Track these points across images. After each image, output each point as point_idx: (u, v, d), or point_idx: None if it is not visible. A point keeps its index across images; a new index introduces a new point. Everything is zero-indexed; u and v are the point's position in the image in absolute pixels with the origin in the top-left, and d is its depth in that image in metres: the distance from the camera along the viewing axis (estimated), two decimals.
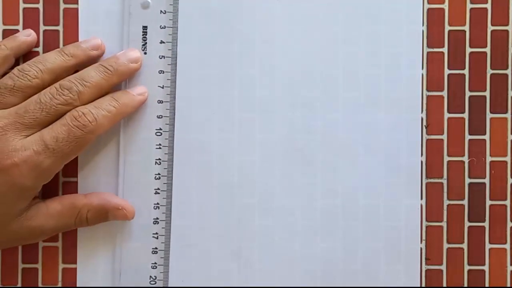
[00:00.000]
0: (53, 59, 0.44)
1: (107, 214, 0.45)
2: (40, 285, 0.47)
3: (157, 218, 0.46)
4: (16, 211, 0.43)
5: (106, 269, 0.47)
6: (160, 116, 0.46)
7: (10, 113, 0.43)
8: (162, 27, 0.46)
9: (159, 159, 0.46)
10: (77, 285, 0.47)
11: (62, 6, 0.47)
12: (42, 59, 0.44)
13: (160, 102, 0.46)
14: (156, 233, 0.46)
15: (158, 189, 0.46)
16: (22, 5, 0.47)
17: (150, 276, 0.46)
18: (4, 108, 0.43)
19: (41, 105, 0.43)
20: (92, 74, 0.44)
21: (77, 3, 0.47)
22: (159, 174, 0.46)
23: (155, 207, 0.46)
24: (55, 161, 0.43)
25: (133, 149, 0.46)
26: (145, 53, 0.46)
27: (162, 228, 0.46)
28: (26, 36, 0.46)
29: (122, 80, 0.45)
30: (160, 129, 0.46)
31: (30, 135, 0.43)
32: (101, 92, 0.45)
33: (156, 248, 0.46)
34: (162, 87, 0.46)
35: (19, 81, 0.44)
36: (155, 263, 0.46)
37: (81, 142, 0.43)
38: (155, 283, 0.46)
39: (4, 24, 0.47)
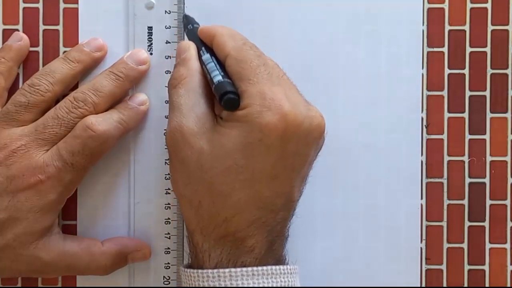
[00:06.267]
0: (60, 69, 0.45)
1: (127, 258, 0.45)
2: (40, 285, 0.47)
3: (169, 219, 0.46)
4: (39, 229, 0.43)
5: None
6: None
7: (30, 130, 0.43)
8: (167, 27, 0.46)
9: (169, 159, 0.46)
10: (77, 285, 0.47)
11: (62, 6, 0.47)
12: (50, 71, 0.44)
13: (168, 102, 0.46)
14: (168, 233, 0.46)
15: (169, 189, 0.46)
16: (22, 5, 0.47)
17: (164, 277, 0.46)
18: (22, 125, 0.43)
19: (59, 121, 0.43)
20: (104, 83, 0.44)
21: (77, 3, 0.47)
22: (169, 174, 0.46)
23: (166, 207, 0.46)
24: (75, 175, 0.43)
25: (143, 149, 0.46)
26: (151, 54, 0.46)
27: (174, 228, 0.46)
28: (18, 41, 0.46)
29: (134, 84, 0.46)
30: None
31: (49, 149, 0.43)
32: (115, 100, 0.45)
33: (168, 248, 0.46)
34: None
35: (32, 97, 0.44)
36: (168, 263, 0.46)
37: (95, 153, 0.43)
38: (169, 283, 0.46)
39: (4, 23, 0.47)
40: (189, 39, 0.44)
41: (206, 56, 0.41)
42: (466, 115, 0.47)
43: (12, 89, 0.46)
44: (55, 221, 0.44)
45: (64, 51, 0.46)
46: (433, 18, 0.47)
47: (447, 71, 0.47)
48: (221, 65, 0.40)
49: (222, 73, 0.40)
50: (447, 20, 0.47)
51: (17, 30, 0.47)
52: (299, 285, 0.41)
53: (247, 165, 0.38)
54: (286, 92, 0.39)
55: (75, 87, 0.46)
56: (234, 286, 0.38)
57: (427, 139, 0.47)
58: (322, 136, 0.40)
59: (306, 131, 0.39)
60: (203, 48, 0.42)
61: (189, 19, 0.45)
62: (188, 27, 0.44)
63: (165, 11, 0.46)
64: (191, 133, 0.39)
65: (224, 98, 0.38)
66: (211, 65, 0.40)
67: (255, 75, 0.39)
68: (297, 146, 0.39)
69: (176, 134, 0.39)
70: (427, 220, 0.47)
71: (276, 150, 0.38)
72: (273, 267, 0.39)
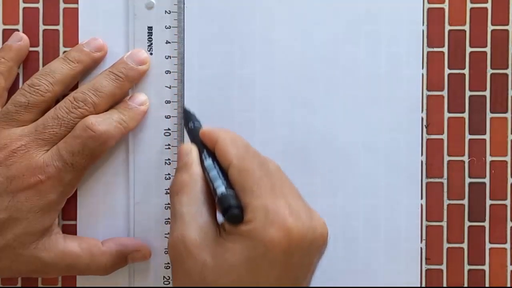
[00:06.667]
0: (60, 69, 0.45)
1: (126, 258, 0.45)
2: (40, 285, 0.47)
3: (169, 219, 0.46)
4: (39, 229, 0.43)
5: None
6: (168, 116, 0.46)
7: (30, 130, 0.43)
8: (167, 27, 0.46)
9: (169, 159, 0.46)
10: (77, 285, 0.47)
11: (62, 6, 0.47)
12: (49, 71, 0.44)
13: (168, 102, 0.46)
14: (168, 233, 0.46)
15: (169, 189, 0.46)
16: (22, 5, 0.47)
17: (164, 277, 0.46)
18: (22, 125, 0.43)
19: (59, 121, 0.43)
20: (104, 84, 0.44)
21: (77, 3, 0.47)
22: (169, 174, 0.46)
23: (166, 207, 0.46)
24: (75, 175, 0.43)
25: (142, 149, 0.46)
26: (151, 54, 0.46)
27: None
28: (18, 41, 0.46)
29: (133, 84, 0.46)
30: (169, 129, 0.46)
31: (49, 149, 0.43)
32: (115, 101, 0.45)
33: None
34: (169, 87, 0.46)
35: (32, 97, 0.44)
36: (168, 263, 0.46)
37: (95, 153, 0.43)
38: (169, 283, 0.46)
39: (4, 23, 0.47)
40: (190, 139, 0.43)
41: (208, 162, 0.41)
42: (466, 115, 0.47)
43: (12, 89, 0.46)
44: (55, 221, 0.44)
45: (64, 51, 0.46)
46: (433, 18, 0.47)
47: (447, 71, 0.47)
48: (223, 170, 0.40)
49: (225, 182, 0.39)
50: (447, 20, 0.47)
51: (17, 30, 0.47)
52: None
53: (251, 280, 0.37)
54: (288, 202, 0.38)
55: (75, 87, 0.46)
56: None
57: (427, 139, 0.47)
58: (325, 244, 0.40)
59: (309, 242, 0.38)
60: (205, 152, 0.41)
61: (190, 115, 0.45)
62: (189, 125, 0.44)
63: (165, 11, 0.46)
64: (194, 244, 0.38)
65: (227, 214, 0.38)
66: (214, 174, 0.40)
67: (258, 187, 0.38)
68: (300, 258, 0.38)
69: (179, 245, 0.38)
70: (427, 220, 0.47)
71: (280, 264, 0.37)
72: None
